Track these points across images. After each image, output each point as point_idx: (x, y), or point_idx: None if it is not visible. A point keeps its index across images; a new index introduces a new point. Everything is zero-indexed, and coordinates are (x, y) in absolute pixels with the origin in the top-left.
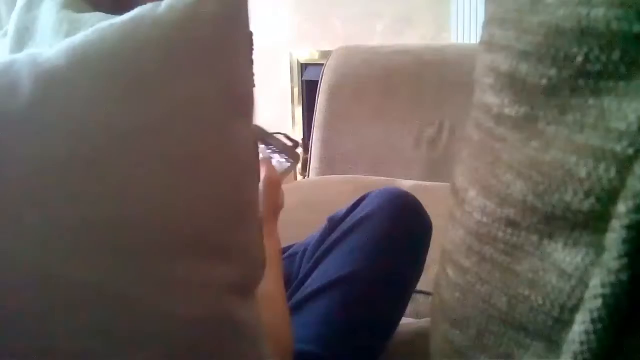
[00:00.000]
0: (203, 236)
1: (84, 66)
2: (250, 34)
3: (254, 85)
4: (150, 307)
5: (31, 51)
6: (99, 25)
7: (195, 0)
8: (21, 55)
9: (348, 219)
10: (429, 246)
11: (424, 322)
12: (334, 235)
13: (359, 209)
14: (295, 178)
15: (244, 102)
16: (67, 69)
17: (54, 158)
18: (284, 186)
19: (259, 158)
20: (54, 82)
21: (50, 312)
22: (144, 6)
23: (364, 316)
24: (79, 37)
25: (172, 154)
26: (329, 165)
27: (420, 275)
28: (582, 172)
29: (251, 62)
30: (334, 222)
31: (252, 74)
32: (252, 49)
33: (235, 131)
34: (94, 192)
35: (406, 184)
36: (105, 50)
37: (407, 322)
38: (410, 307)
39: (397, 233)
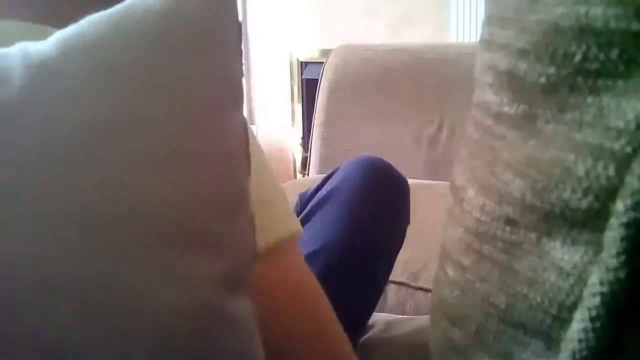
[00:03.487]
0: (191, 228)
1: (73, 57)
2: (240, 24)
3: (242, 75)
4: (137, 299)
5: (24, 44)
6: (91, 16)
7: None
8: (14, 48)
9: (318, 194)
10: (408, 206)
11: (424, 318)
12: (303, 213)
13: (327, 183)
14: (295, 176)
15: (233, 92)
16: (57, 60)
17: (44, 149)
18: (285, 185)
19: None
20: (44, 72)
21: (38, 304)
22: None
23: (345, 286)
24: (71, 29)
25: (160, 145)
26: (328, 164)
27: (403, 238)
28: (581, 171)
29: (240, 52)
30: (304, 200)
31: (241, 65)
32: (240, 40)
33: (224, 122)
34: (83, 183)
35: None
36: (95, 41)
37: (407, 318)
38: (410, 304)
39: (371, 198)
